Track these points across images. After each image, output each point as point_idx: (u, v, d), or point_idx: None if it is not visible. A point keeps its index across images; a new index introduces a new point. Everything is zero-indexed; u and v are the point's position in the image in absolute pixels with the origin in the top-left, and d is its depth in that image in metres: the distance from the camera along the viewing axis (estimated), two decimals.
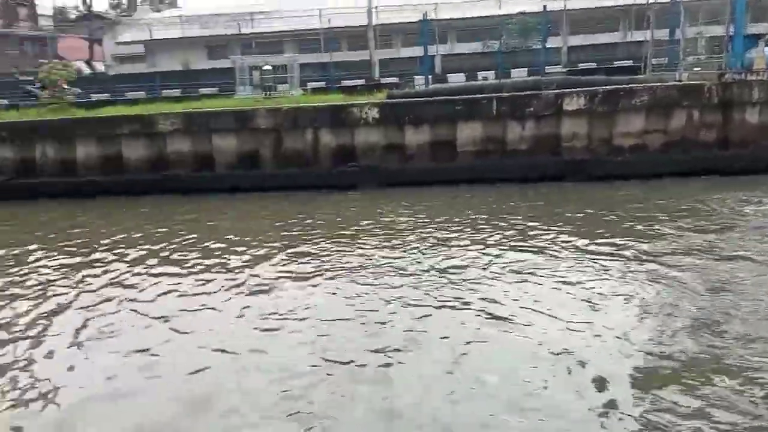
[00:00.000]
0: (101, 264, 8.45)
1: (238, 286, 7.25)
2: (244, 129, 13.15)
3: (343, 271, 7.54)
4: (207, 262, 8.25)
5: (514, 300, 6.34)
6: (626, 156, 12.48)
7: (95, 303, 6.96)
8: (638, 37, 24.03)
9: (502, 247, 8.20)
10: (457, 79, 18.67)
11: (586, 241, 8.25)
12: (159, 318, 6.40)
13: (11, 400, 4.91)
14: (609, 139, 12.59)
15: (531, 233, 8.85)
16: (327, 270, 7.64)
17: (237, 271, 7.79)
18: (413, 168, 12.85)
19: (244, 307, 6.57)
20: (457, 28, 30.81)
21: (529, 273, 7.12)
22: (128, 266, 8.24)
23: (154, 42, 33.53)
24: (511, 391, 4.65)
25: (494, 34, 26.65)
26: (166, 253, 8.80)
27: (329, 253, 8.37)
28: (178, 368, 5.29)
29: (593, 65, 20.85)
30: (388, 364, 5.14)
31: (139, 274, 7.92)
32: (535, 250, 8.02)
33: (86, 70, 32.47)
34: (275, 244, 8.91)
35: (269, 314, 6.33)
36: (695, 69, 14.83)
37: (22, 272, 8.27)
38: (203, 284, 7.39)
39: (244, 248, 8.81)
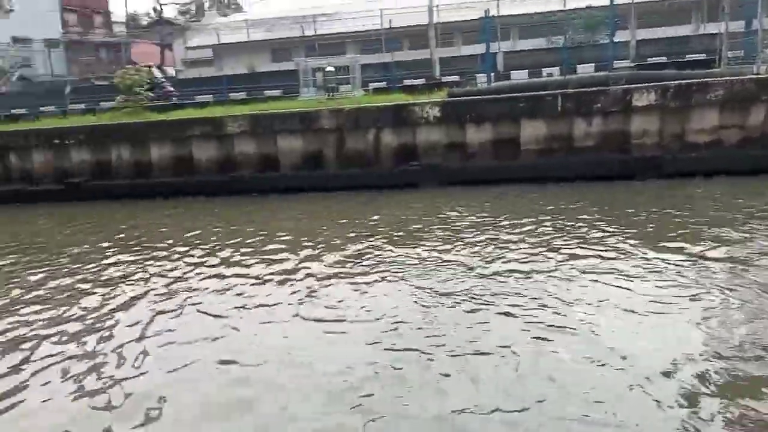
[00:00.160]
0: (169, 262, 8.78)
1: (299, 284, 7.36)
2: (308, 130, 13.37)
3: (404, 272, 7.53)
4: (270, 261, 8.42)
5: (579, 305, 6.15)
6: (701, 152, 11.97)
7: (160, 300, 7.22)
8: (712, 30, 22.97)
9: (567, 249, 7.98)
10: (519, 76, 18.34)
11: (658, 243, 7.94)
12: (221, 315, 6.56)
13: (84, 388, 5.18)
14: (682, 135, 12.11)
15: (598, 234, 8.60)
16: (387, 270, 7.65)
17: (299, 270, 7.92)
18: (475, 166, 12.74)
19: (304, 305, 6.66)
20: (519, 24, 30.30)
21: (595, 276, 6.91)
22: (194, 265, 8.51)
23: (221, 46, 34.56)
24: (576, 401, 4.49)
25: (558, 30, 26.05)
26: (232, 252, 9.04)
27: (390, 252, 8.39)
28: (235, 365, 5.40)
29: (663, 59, 20.07)
30: (447, 366, 5.09)
31: (204, 272, 8.16)
32: (602, 251, 7.77)
33: (158, 75, 33.72)
34: (337, 244, 9.02)
35: (329, 313, 6.40)
36: None
37: (94, 269, 8.68)
38: (265, 283, 7.53)
39: (307, 247, 8.95)
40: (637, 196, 10.95)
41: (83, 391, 5.16)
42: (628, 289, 6.49)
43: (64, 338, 6.26)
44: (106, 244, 10.07)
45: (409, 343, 5.56)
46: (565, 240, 8.40)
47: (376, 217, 10.52)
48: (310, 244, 9.14)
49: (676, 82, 12.18)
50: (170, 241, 9.92)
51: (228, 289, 7.39)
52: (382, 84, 20.65)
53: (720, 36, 17.97)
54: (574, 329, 5.58)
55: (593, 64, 18.98)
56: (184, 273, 8.21)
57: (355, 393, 4.75)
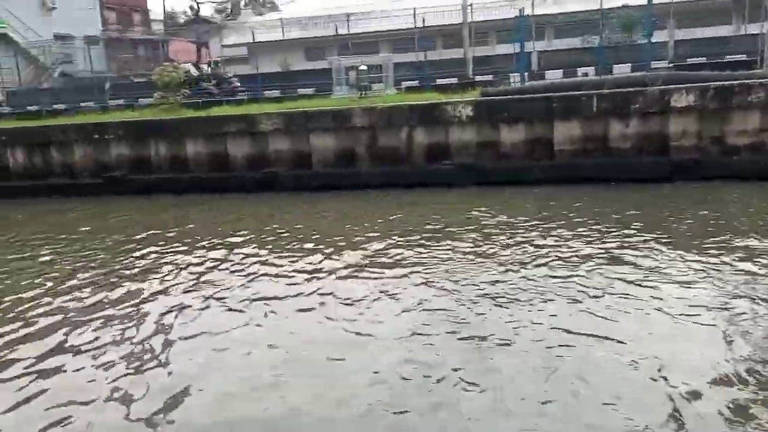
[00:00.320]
0: (198, 255, 8.97)
1: (325, 281, 7.45)
2: (341, 128, 13.44)
3: (434, 271, 7.55)
4: (299, 258, 8.53)
5: (611, 309, 6.09)
6: (741, 155, 11.70)
7: (187, 292, 7.42)
8: (753, 30, 22.39)
9: (599, 252, 7.90)
10: (554, 76, 18.15)
11: (696, 249, 7.80)
12: (251, 312, 6.65)
13: (115, 372, 5.35)
14: (721, 137, 11.85)
15: (632, 237, 8.48)
16: (416, 270, 7.66)
17: (327, 267, 8.00)
18: (508, 167, 12.65)
19: (329, 303, 6.73)
20: (555, 23, 29.96)
21: (626, 280, 6.83)
22: (222, 260, 8.66)
23: (256, 44, 34.92)
24: (612, 412, 4.43)
25: (594, 29, 25.68)
26: (262, 248, 9.19)
27: (420, 252, 8.41)
28: (262, 366, 5.45)
29: (703, 60, 19.65)
30: (477, 368, 5.11)
31: (232, 267, 8.31)
32: (635, 255, 7.67)
33: (194, 72, 34.25)
34: (366, 242, 9.07)
35: (360, 312, 6.46)
36: None
37: (127, 260, 8.98)
38: (292, 279, 7.65)
39: (336, 245, 9.04)
40: (674, 200, 10.77)
41: (113, 375, 5.38)
42: (664, 294, 6.38)
43: (95, 325, 6.52)
44: (140, 236, 10.36)
45: (436, 343, 5.57)
46: (597, 242, 8.31)
47: (406, 216, 10.54)
48: (340, 241, 9.22)
49: (716, 83, 11.93)
50: (201, 235, 10.13)
51: (255, 285, 7.54)
52: (415, 83, 20.65)
53: (762, 36, 17.53)
54: (607, 336, 5.50)
55: (630, 65, 18.69)
56: (213, 266, 8.39)
57: (380, 395, 4.78)
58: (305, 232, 9.95)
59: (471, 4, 24.06)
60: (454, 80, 20.01)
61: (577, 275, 7.05)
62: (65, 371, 5.53)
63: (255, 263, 8.40)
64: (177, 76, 17.77)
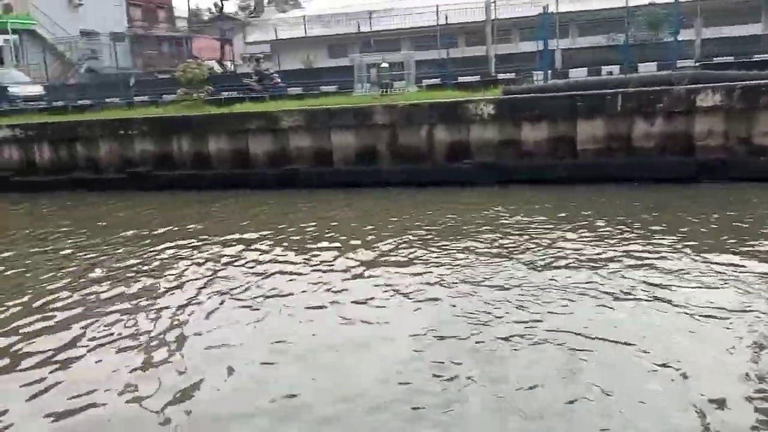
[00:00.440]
0: (216, 252, 9.03)
1: (346, 279, 7.45)
2: (361, 126, 13.45)
3: (452, 270, 7.51)
4: (317, 255, 8.53)
5: (634, 314, 6.00)
6: None
7: (202, 287, 7.51)
8: None
9: (623, 254, 7.78)
10: (578, 74, 17.97)
11: (720, 251, 7.67)
12: (265, 308, 6.69)
13: (130, 363, 5.43)
14: (748, 138, 11.62)
15: (654, 239, 8.34)
16: (433, 270, 7.62)
17: (346, 265, 8.00)
18: (530, 165, 12.56)
19: (350, 301, 6.73)
20: (579, 20, 29.68)
21: (651, 282, 6.73)
22: (241, 257, 8.70)
23: (279, 42, 35.09)
24: (634, 417, 4.34)
25: (620, 27, 25.37)
26: (279, 244, 9.23)
27: (439, 250, 8.39)
28: (275, 362, 5.50)
29: (730, 59, 19.32)
30: (492, 369, 5.07)
31: (249, 265, 8.34)
32: (658, 257, 7.55)
33: (218, 69, 34.60)
34: (384, 240, 9.05)
35: (374, 309, 6.46)
36: None
37: (146, 255, 9.12)
38: (307, 276, 7.65)
39: (357, 243, 9.04)
40: (699, 201, 10.60)
41: (129, 367, 5.49)
42: (682, 295, 6.29)
43: (111, 318, 6.64)
44: (160, 231, 10.52)
45: (452, 343, 5.55)
46: (619, 244, 8.20)
47: (425, 215, 10.51)
48: (358, 239, 9.24)
49: (743, 82, 11.71)
50: (220, 231, 10.23)
51: (270, 281, 7.58)
52: (437, 80, 20.60)
53: None
54: (628, 340, 5.41)
55: (655, 63, 18.44)
56: (230, 261, 8.48)
57: (392, 392, 4.79)
58: (324, 229, 9.98)
59: (494, 1, 23.89)
60: (476, 78, 19.93)
61: (598, 276, 6.96)
62: (82, 363, 5.64)
63: (271, 259, 8.46)
64: (200, 73, 17.95)
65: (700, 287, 6.53)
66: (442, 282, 7.14)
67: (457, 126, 12.97)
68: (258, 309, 6.67)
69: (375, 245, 8.83)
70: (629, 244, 8.16)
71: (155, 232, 10.44)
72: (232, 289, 7.34)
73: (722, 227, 8.86)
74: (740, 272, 6.86)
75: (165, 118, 15.25)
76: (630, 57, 19.03)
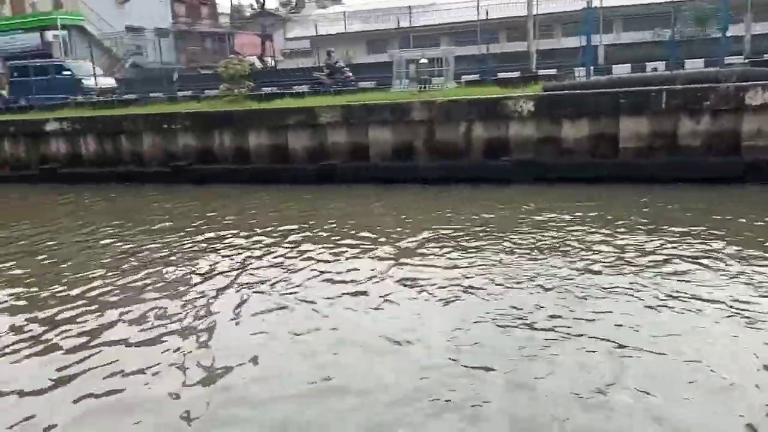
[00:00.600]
0: (251, 244, 9.19)
1: (380, 276, 7.45)
2: (399, 122, 13.44)
3: (487, 270, 7.44)
4: (352, 249, 8.59)
5: (677, 319, 5.82)
6: None
7: (234, 277, 7.67)
8: None
9: (661, 256, 7.59)
10: (622, 71, 17.59)
11: (762, 254, 7.43)
12: (302, 302, 6.75)
13: (163, 350, 5.56)
14: None
15: (696, 242, 8.11)
16: (469, 267, 7.58)
17: (383, 261, 8.01)
18: (570, 163, 12.36)
19: (382, 298, 6.72)
20: (623, 15, 29.06)
21: (689, 288, 6.53)
22: (276, 249, 8.83)
23: (319, 37, 35.31)
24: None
25: (665, 22, 24.73)
26: (314, 238, 9.32)
27: (475, 247, 8.34)
28: (313, 354, 5.55)
29: None
30: (527, 371, 5.02)
31: (282, 257, 8.45)
32: (700, 261, 7.32)
33: (258, 65, 34.99)
34: (422, 236, 9.04)
35: (406, 307, 6.44)
36: None
37: (185, 245, 9.42)
38: (340, 271, 7.68)
39: (392, 239, 9.06)
40: (745, 202, 10.27)
41: (158, 351, 5.73)
42: (727, 301, 6.09)
43: (145, 306, 6.87)
44: (198, 224, 10.80)
45: (485, 342, 5.50)
46: (662, 245, 7.98)
47: (461, 211, 10.45)
48: (393, 234, 9.25)
49: None
50: (255, 225, 10.42)
51: (301, 274, 7.66)
52: (476, 77, 20.42)
53: None
54: (673, 347, 5.27)
55: (702, 60, 17.91)
56: (264, 254, 8.64)
57: (422, 386, 4.79)
58: (357, 224, 10.02)
59: None
60: (516, 74, 19.70)
61: (640, 278, 6.80)
62: (114, 348, 5.86)
63: (302, 253, 8.57)
64: (242, 69, 18.19)
65: (747, 292, 6.32)
66: (476, 281, 7.07)
67: (496, 123, 12.85)
68: (285, 302, 6.76)
69: (408, 241, 8.83)
70: (672, 246, 7.94)
71: (193, 224, 10.71)
72: (262, 280, 7.47)
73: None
74: None
75: (207, 113, 15.51)
76: (676, 53, 18.52)
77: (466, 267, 7.55)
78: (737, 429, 4.11)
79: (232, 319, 6.41)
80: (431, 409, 4.50)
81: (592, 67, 17.51)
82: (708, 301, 6.12)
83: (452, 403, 4.54)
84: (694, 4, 24.24)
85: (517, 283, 6.90)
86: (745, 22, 20.59)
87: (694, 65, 17.34)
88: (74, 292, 7.44)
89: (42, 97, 21.74)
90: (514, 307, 6.21)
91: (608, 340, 5.39)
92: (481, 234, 9.02)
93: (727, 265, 7.13)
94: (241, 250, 8.87)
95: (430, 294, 6.74)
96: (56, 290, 7.57)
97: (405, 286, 7.04)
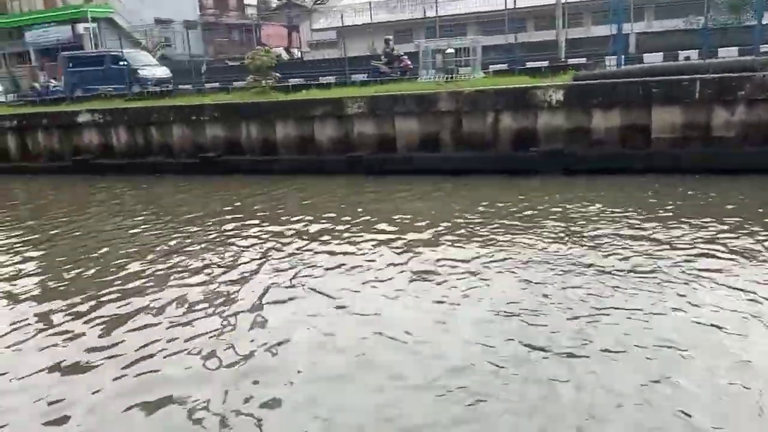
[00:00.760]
0: (283, 236, 9.24)
1: (407, 267, 7.44)
2: (426, 112, 13.37)
3: (515, 262, 7.37)
4: (381, 242, 8.58)
5: (711, 322, 5.61)
6: None
7: (260, 266, 7.85)
8: None
9: (693, 249, 7.43)
10: (653, 59, 17.24)
11: None
12: (328, 294, 6.76)
13: (190, 342, 5.63)
14: None
15: (730, 234, 7.92)
16: (498, 259, 7.52)
17: (410, 252, 8.00)
18: (600, 154, 12.18)
19: (409, 291, 6.71)
20: (655, 3, 28.46)
21: (720, 282, 6.39)
22: (308, 240, 8.90)
23: (345, 28, 35.27)
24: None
25: (698, 10, 24.16)
26: (342, 229, 9.36)
27: (502, 240, 8.27)
28: (339, 346, 5.58)
29: None
30: (559, 366, 4.98)
31: (308, 246, 8.55)
32: (731, 254, 7.16)
33: (285, 56, 35.11)
34: (447, 228, 9.01)
35: (434, 300, 6.41)
36: None
37: (210, 234, 9.63)
38: (372, 263, 7.69)
39: (419, 230, 9.04)
40: None
41: (181, 334, 5.90)
42: (753, 297, 5.95)
43: (170, 292, 7.07)
44: (223, 214, 10.98)
45: (514, 337, 5.45)
46: (697, 240, 7.81)
47: (489, 202, 10.37)
48: (421, 227, 9.22)
49: None
50: (282, 214, 10.61)
51: (325, 264, 7.73)
52: (504, 66, 20.20)
53: None
54: (708, 350, 5.14)
55: (737, 48, 17.46)
56: (289, 242, 8.78)
57: (454, 382, 4.78)
58: (384, 215, 10.02)
59: None
60: (545, 63, 19.44)
61: (676, 272, 6.67)
62: (140, 331, 6.08)
63: (327, 242, 8.67)
64: (268, 60, 18.26)
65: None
66: (508, 273, 7.03)
67: (524, 113, 12.71)
68: (307, 292, 6.83)
69: (433, 233, 8.81)
70: (708, 240, 7.76)
71: (219, 215, 10.90)
72: (286, 269, 7.59)
73: None
74: None
75: (235, 104, 15.62)
76: (709, 41, 18.08)
77: (494, 262, 7.47)
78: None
79: (256, 307, 6.51)
80: (462, 403, 4.50)
81: (623, 56, 17.20)
82: (749, 297, 5.97)
83: (483, 400, 4.54)
84: None
85: (545, 276, 6.84)
86: None
87: (729, 54, 16.91)
88: (106, 278, 7.71)
89: (96, 87, 21.97)
90: (542, 301, 6.15)
91: (649, 336, 5.29)
92: (509, 225, 8.95)
93: (754, 256, 6.97)
94: (263, 240, 9.03)
95: (454, 287, 6.71)
96: (87, 276, 7.90)
97: (432, 276, 7.04)
